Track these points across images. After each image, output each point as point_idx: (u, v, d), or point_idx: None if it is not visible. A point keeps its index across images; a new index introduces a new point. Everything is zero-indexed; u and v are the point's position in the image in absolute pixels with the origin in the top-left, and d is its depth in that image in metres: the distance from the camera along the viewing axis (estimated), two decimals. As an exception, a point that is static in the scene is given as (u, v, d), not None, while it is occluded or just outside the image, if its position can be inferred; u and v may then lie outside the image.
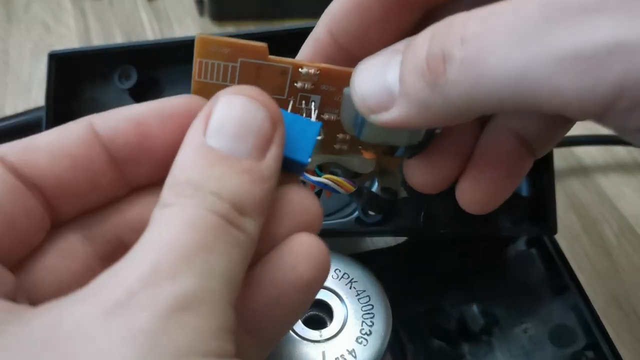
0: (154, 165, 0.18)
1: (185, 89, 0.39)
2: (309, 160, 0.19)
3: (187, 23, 0.57)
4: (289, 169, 0.19)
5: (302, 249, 0.18)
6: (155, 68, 0.39)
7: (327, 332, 0.28)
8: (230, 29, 0.57)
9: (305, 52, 0.22)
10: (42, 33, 0.56)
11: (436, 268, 0.35)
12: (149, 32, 0.56)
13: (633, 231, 0.44)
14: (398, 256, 0.36)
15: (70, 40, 0.56)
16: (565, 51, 0.14)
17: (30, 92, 0.52)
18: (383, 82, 0.18)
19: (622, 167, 0.47)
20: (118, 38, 0.56)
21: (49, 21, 0.57)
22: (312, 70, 0.20)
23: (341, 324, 0.28)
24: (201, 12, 0.58)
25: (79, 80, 0.40)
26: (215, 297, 0.15)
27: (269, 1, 0.57)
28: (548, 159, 0.33)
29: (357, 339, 0.27)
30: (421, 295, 0.34)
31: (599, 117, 0.14)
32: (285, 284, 0.18)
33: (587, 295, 0.33)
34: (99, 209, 0.19)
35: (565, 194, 0.46)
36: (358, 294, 0.28)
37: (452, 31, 0.16)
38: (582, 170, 0.48)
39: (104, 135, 0.18)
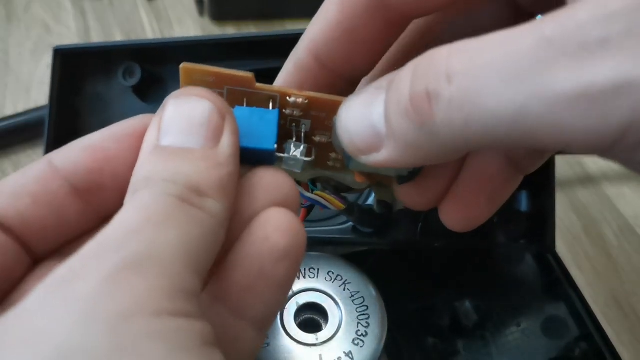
0: (122, 187, 0.18)
1: None
2: (275, 146, 0.19)
3: (187, 23, 0.57)
4: (262, 161, 0.20)
5: (271, 220, 0.18)
6: (159, 65, 0.39)
7: (323, 335, 0.27)
8: (230, 28, 0.57)
9: (287, 75, 0.21)
10: (42, 33, 0.56)
11: (428, 265, 0.35)
12: (149, 32, 0.56)
13: (633, 231, 0.44)
14: (390, 255, 0.36)
15: (70, 40, 0.56)
16: (568, 90, 0.13)
17: (30, 92, 0.52)
18: (369, 124, 0.17)
19: (623, 168, 0.47)
20: (118, 38, 0.56)
21: (49, 21, 0.57)
22: (300, 100, 0.20)
23: (337, 326, 0.28)
24: (201, 12, 0.58)
25: (82, 76, 0.40)
26: (167, 261, 0.15)
27: (268, 1, 0.57)
28: (549, 173, 0.33)
29: (353, 340, 0.27)
30: (414, 293, 0.34)
31: (603, 152, 0.14)
32: (262, 255, 0.18)
33: (578, 287, 0.33)
34: (80, 237, 0.19)
35: (565, 194, 0.46)
36: (352, 296, 0.28)
37: (435, 67, 0.15)
38: (582, 171, 0.47)
39: (63, 169, 0.18)
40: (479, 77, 0.14)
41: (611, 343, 0.32)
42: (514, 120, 0.14)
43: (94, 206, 0.19)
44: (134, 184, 0.17)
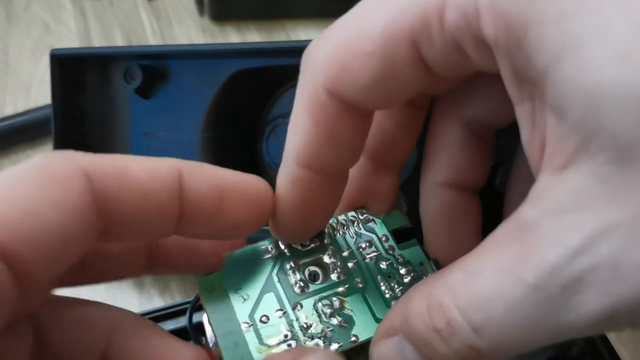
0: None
1: (192, 81, 0.38)
2: None
3: (187, 23, 0.57)
4: None
5: None
6: (160, 58, 0.39)
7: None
8: (230, 28, 0.57)
9: (286, 191, 0.21)
10: (42, 33, 0.56)
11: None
12: (149, 32, 0.56)
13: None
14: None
15: (70, 40, 0.56)
16: (580, 323, 0.15)
17: (30, 92, 0.52)
18: None
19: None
20: (118, 38, 0.56)
21: (49, 21, 0.57)
22: None
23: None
24: (201, 12, 0.58)
25: (82, 79, 0.40)
26: None
27: (269, 1, 0.57)
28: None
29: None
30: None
31: None
32: None
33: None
34: None
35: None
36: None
37: (457, 324, 0.17)
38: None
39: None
40: (502, 328, 0.16)
41: (607, 339, 0.32)
42: (555, 332, 0.16)
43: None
44: None
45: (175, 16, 0.58)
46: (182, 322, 0.33)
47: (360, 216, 0.25)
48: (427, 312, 0.18)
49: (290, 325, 0.21)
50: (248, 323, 0.21)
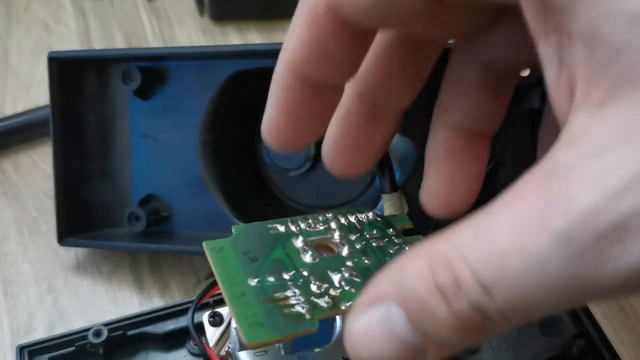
0: None
1: (190, 83, 0.38)
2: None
3: (187, 23, 0.57)
4: None
5: None
6: (159, 59, 0.39)
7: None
8: (231, 28, 0.57)
9: (275, 98, 0.22)
10: (42, 33, 0.56)
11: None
12: (149, 32, 0.56)
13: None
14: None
15: (70, 40, 0.56)
16: (610, 281, 0.13)
17: (30, 92, 0.52)
18: (397, 341, 0.16)
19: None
20: (118, 38, 0.56)
21: (49, 21, 0.57)
22: None
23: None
24: (201, 11, 0.58)
25: (81, 81, 0.40)
26: None
27: (269, 1, 0.57)
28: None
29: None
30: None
31: None
32: None
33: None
34: None
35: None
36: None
37: (464, 281, 0.15)
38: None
39: None
40: (517, 286, 0.14)
41: (607, 339, 0.32)
42: (575, 300, 0.14)
43: None
44: None
45: (175, 16, 0.58)
46: (182, 322, 0.33)
47: (368, 212, 0.25)
48: (429, 270, 0.15)
49: (297, 284, 0.21)
50: (255, 278, 0.21)
